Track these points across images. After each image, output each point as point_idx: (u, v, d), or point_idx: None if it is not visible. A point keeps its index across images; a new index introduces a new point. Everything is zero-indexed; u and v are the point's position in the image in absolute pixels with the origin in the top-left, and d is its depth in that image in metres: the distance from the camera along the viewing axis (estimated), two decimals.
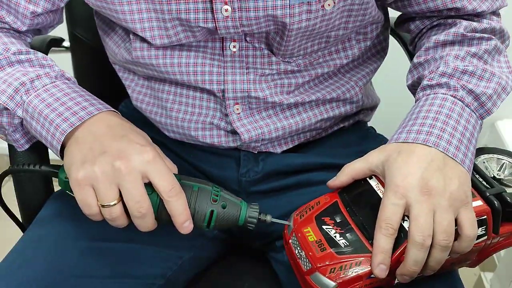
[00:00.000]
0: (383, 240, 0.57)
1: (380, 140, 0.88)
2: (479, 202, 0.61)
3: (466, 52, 0.71)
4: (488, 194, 0.61)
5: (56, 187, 0.82)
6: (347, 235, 0.61)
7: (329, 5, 0.67)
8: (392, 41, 0.94)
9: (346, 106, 0.82)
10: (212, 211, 0.61)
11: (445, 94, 0.67)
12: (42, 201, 0.80)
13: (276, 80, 0.76)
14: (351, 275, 0.58)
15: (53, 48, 0.99)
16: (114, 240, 0.70)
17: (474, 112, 0.67)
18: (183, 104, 0.79)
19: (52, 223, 0.73)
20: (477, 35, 0.72)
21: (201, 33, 0.71)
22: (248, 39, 0.72)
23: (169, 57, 0.74)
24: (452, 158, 0.61)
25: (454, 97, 0.66)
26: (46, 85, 0.66)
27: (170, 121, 0.80)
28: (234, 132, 0.78)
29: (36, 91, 0.66)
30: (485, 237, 0.62)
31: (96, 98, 0.69)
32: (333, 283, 0.58)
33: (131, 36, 0.75)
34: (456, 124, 0.64)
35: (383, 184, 0.62)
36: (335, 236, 0.61)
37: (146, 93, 0.82)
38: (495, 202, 0.61)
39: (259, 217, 0.63)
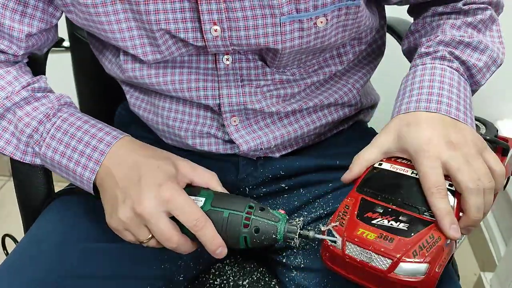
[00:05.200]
0: (442, 202, 0.57)
1: None
2: None
3: (462, 22, 0.72)
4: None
5: (57, 188, 0.82)
6: (400, 218, 0.58)
7: (321, 22, 0.66)
8: (390, 39, 0.93)
9: (345, 109, 0.81)
10: (245, 237, 0.62)
11: (442, 64, 0.69)
12: (43, 201, 0.80)
13: (272, 90, 0.75)
14: (434, 249, 0.55)
15: (53, 48, 0.98)
16: (114, 241, 0.70)
17: (467, 81, 0.70)
18: (179, 112, 0.78)
19: (54, 225, 0.73)
20: (474, 6, 0.73)
21: (193, 46, 0.70)
22: (241, 51, 0.71)
23: (162, 76, 0.74)
24: (456, 119, 0.63)
25: (451, 67, 0.68)
26: (49, 131, 0.69)
27: (168, 129, 0.80)
28: (232, 141, 0.78)
29: (44, 141, 0.69)
30: None
31: (101, 126, 0.69)
32: (424, 265, 0.54)
33: (121, 57, 0.74)
34: (458, 92, 0.66)
35: (396, 163, 0.62)
36: (391, 225, 0.58)
37: (144, 100, 0.81)
38: None
39: (300, 232, 0.62)
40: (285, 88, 0.76)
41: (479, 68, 0.70)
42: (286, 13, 0.64)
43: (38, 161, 0.71)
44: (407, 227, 0.57)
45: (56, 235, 0.71)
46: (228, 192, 0.66)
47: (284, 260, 0.77)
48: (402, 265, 0.54)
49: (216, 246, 0.61)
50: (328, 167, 0.80)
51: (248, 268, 0.82)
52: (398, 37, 0.95)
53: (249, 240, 0.61)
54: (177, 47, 0.70)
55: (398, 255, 0.55)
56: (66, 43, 1.08)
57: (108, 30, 0.69)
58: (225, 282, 0.80)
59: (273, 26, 0.65)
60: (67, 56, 1.08)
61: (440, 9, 0.75)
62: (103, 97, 1.08)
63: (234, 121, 0.76)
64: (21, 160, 0.71)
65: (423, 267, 0.54)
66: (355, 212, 0.60)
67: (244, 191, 0.81)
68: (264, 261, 0.83)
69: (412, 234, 0.56)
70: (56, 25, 0.77)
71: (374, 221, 0.58)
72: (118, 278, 0.69)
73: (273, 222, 0.61)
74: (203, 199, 0.63)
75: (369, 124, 0.93)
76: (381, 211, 0.59)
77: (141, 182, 0.62)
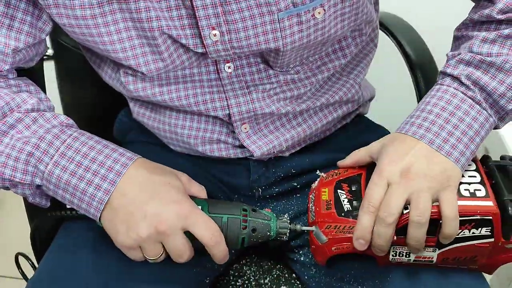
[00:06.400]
0: (364, 217, 0.62)
1: (381, 132, 0.90)
2: (489, 203, 0.61)
3: (497, 34, 0.67)
4: (504, 198, 0.61)
5: None
6: (354, 202, 0.67)
7: (319, 13, 0.66)
8: (381, 34, 0.96)
9: (348, 105, 0.83)
10: (243, 238, 0.66)
11: (457, 89, 0.67)
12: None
13: (279, 93, 0.76)
14: (342, 236, 0.65)
15: None
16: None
17: (486, 110, 0.66)
18: (187, 120, 0.78)
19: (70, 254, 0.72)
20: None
21: (194, 53, 0.70)
22: (242, 55, 0.71)
23: (167, 93, 0.74)
24: (446, 156, 0.63)
25: (465, 94, 0.66)
26: (59, 148, 0.65)
27: (176, 137, 0.80)
28: (242, 146, 0.78)
29: (52, 158, 0.65)
30: (491, 239, 0.62)
31: (114, 147, 0.68)
32: (325, 238, 0.66)
33: (122, 79, 0.73)
34: (459, 123, 0.64)
35: None
36: (343, 201, 0.67)
37: (148, 107, 0.81)
38: (509, 208, 0.60)
39: (290, 227, 0.68)
40: (291, 90, 0.76)
41: (500, 93, 0.65)
42: (283, 9, 0.65)
43: (37, 181, 0.66)
44: (347, 210, 0.66)
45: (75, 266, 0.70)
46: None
47: (302, 259, 0.79)
48: (315, 227, 0.67)
49: (225, 258, 0.65)
50: (336, 163, 0.82)
51: (266, 267, 0.84)
52: (389, 32, 0.97)
53: (247, 240, 0.66)
54: (178, 54, 0.70)
55: (319, 219, 0.67)
56: (49, 51, 1.04)
57: (107, 42, 0.67)
58: (246, 282, 0.81)
59: (271, 23, 0.65)
60: (50, 66, 1.04)
61: (476, 17, 0.70)
62: (93, 108, 1.05)
63: (245, 128, 0.77)
64: (21, 181, 0.66)
65: (324, 238, 0.66)
66: (341, 178, 0.71)
67: (257, 192, 0.82)
68: (280, 258, 0.85)
69: (345, 216, 0.66)
70: (45, 39, 0.75)
71: (339, 191, 0.69)
72: (157, 282, 0.69)
73: (266, 221, 0.67)
74: (199, 207, 0.66)
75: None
76: (354, 189, 0.68)
77: (157, 199, 0.64)
